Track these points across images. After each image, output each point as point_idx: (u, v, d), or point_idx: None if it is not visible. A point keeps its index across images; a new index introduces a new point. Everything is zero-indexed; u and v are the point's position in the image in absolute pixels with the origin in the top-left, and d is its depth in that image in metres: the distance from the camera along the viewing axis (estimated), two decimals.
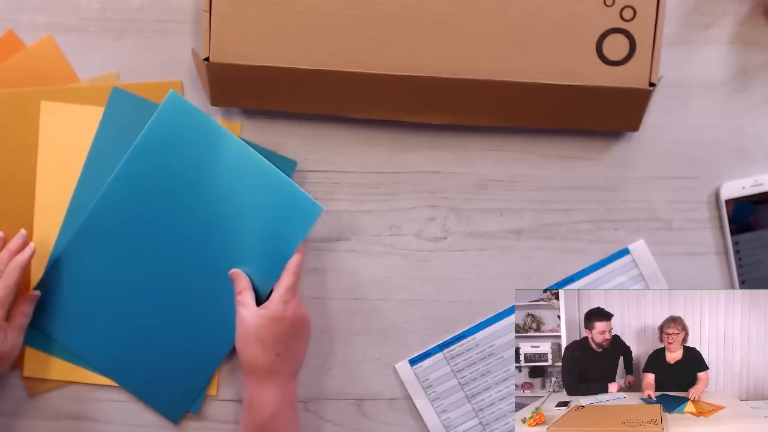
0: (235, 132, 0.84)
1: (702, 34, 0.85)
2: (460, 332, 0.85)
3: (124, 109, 0.84)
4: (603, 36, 0.78)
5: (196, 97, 0.85)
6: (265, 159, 0.83)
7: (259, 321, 0.78)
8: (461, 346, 0.85)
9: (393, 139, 0.85)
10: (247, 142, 0.83)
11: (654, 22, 0.78)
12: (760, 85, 0.85)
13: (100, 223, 0.83)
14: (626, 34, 0.78)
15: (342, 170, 0.85)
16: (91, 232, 0.83)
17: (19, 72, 0.85)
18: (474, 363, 0.85)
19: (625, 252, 0.85)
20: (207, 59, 0.79)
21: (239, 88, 0.81)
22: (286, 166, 0.85)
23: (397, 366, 0.85)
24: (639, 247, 0.85)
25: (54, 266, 0.84)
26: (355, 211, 0.85)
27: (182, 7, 0.85)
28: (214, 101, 0.82)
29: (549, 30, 0.78)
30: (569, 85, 0.79)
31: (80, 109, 0.84)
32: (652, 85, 0.79)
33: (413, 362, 0.85)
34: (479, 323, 0.85)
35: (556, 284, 0.85)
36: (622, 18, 0.78)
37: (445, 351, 0.85)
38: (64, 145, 0.84)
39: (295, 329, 0.79)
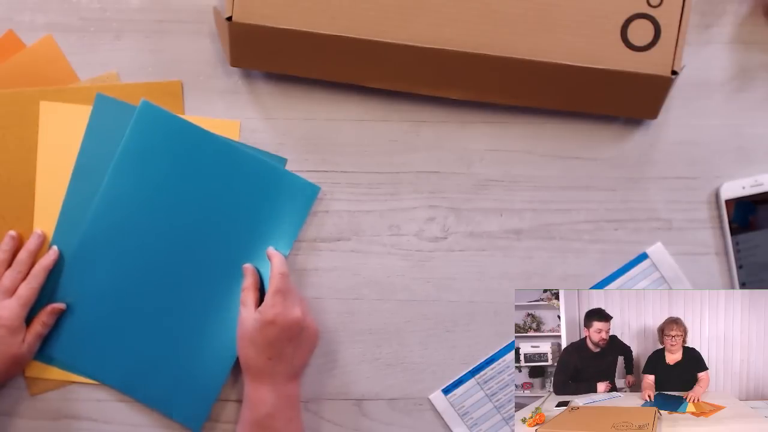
0: (234, 131, 0.84)
1: (702, 34, 0.85)
2: (489, 356, 0.84)
3: (110, 115, 0.83)
4: (629, 20, 0.78)
5: (196, 96, 0.85)
6: (251, 153, 0.83)
7: (253, 324, 0.78)
8: (492, 369, 0.84)
9: (393, 139, 0.85)
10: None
11: (680, 10, 0.78)
12: (760, 85, 0.85)
13: (95, 245, 0.83)
14: (652, 20, 0.78)
15: (342, 170, 0.85)
16: (87, 255, 0.83)
17: (19, 72, 0.85)
18: (507, 385, 0.84)
19: (643, 257, 0.84)
20: (230, 18, 0.78)
21: (260, 49, 0.80)
22: (276, 163, 0.84)
23: (431, 397, 0.84)
24: (657, 250, 0.84)
25: (54, 292, 0.83)
26: (355, 211, 0.85)
27: (182, 7, 0.85)
28: (234, 62, 0.82)
29: (575, 11, 0.78)
30: (591, 67, 0.78)
31: (80, 109, 0.84)
32: (674, 73, 0.78)
33: (446, 391, 0.84)
34: (507, 345, 0.84)
35: None
36: (649, 4, 0.78)
37: (477, 376, 0.84)
38: (64, 145, 0.84)
39: (287, 334, 0.78)
